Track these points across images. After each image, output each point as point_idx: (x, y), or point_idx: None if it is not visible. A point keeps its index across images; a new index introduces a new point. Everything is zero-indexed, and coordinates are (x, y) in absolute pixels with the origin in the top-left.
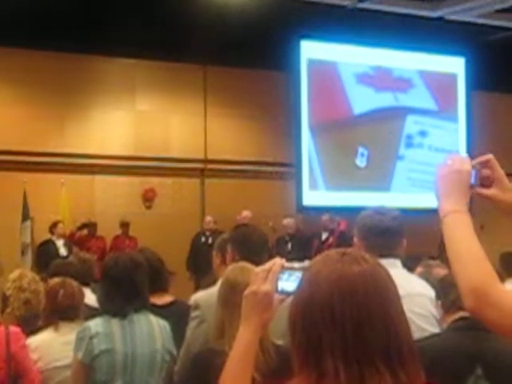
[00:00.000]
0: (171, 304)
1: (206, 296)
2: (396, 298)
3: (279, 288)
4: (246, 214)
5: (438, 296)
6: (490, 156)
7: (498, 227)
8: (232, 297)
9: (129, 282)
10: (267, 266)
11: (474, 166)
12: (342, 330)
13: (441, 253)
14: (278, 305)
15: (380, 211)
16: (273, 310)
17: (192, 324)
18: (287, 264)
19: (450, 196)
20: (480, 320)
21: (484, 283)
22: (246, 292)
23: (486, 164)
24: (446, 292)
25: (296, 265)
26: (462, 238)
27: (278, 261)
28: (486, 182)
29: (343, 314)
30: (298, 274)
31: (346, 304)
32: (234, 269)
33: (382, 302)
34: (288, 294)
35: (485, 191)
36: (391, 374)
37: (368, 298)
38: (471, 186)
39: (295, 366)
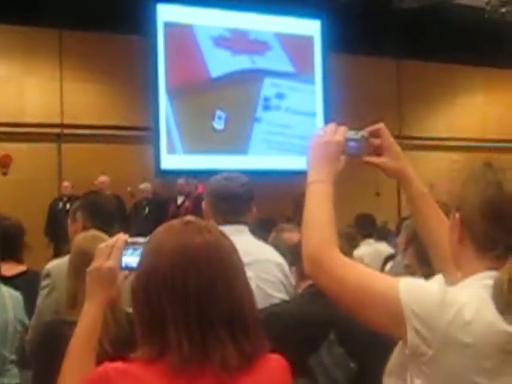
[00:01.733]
0: (21, 274)
1: (58, 264)
2: (240, 268)
3: (123, 264)
4: (103, 179)
5: (293, 262)
6: (380, 125)
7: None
8: (83, 266)
9: None
10: (111, 241)
11: (362, 136)
12: (185, 302)
13: (295, 215)
14: (122, 280)
15: (228, 177)
16: (117, 286)
17: (43, 292)
18: (131, 239)
19: (316, 166)
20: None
21: (319, 250)
22: (90, 268)
23: (376, 133)
24: (300, 258)
25: (140, 240)
26: (315, 206)
27: (122, 236)
28: (378, 151)
29: (185, 285)
30: (142, 250)
31: (189, 275)
32: (85, 237)
33: (226, 273)
34: (132, 269)
35: (372, 159)
36: (235, 345)
37: (211, 268)
38: (356, 156)
39: (139, 338)
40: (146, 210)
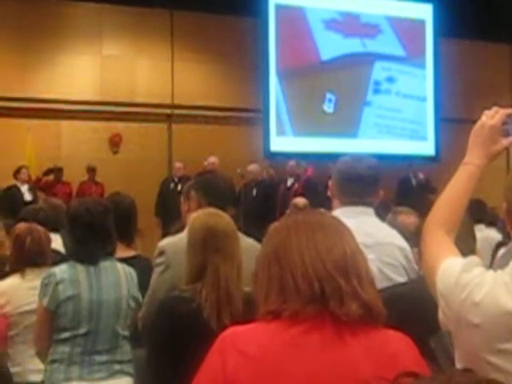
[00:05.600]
0: (133, 258)
1: (172, 242)
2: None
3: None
4: (213, 159)
5: (415, 243)
6: None
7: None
8: (210, 241)
9: (101, 227)
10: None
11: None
12: (301, 254)
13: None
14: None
15: (356, 159)
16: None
17: (157, 270)
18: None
19: (469, 149)
20: None
21: (426, 226)
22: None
23: None
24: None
25: None
26: (449, 186)
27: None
28: None
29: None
30: None
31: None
32: (207, 214)
33: (341, 236)
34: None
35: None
36: (354, 294)
37: (328, 230)
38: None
39: (260, 302)
40: (254, 191)
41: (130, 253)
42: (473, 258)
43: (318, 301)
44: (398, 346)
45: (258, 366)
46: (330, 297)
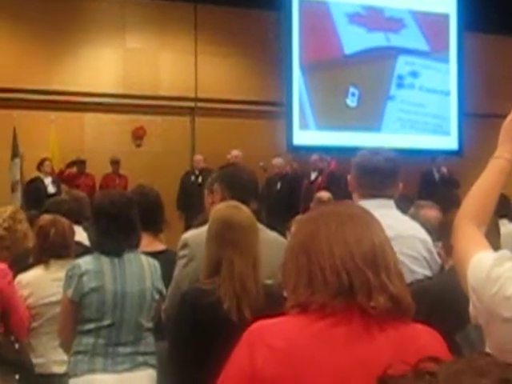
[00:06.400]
0: (161, 253)
1: (196, 235)
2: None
3: None
4: (236, 153)
5: (439, 237)
6: None
7: None
8: (226, 234)
9: (125, 219)
10: None
11: None
12: (329, 246)
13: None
14: None
15: (374, 152)
16: None
17: (180, 262)
18: None
19: (500, 143)
20: None
21: (457, 219)
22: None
23: None
24: (448, 234)
25: None
26: (479, 180)
27: None
28: None
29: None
30: None
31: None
32: (227, 207)
33: (370, 228)
34: None
35: None
36: (382, 286)
37: (357, 222)
38: None
39: (288, 294)
40: (278, 185)
41: (157, 246)
42: (504, 252)
43: (346, 293)
44: (426, 340)
45: (285, 359)
46: (358, 290)
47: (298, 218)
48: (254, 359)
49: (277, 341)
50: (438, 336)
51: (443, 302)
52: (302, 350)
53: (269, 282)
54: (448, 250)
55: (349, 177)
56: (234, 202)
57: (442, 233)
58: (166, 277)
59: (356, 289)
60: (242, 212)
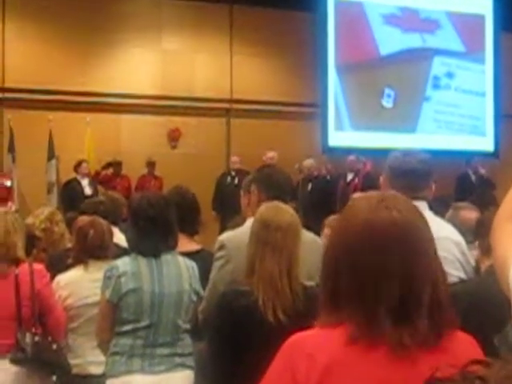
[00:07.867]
0: (195, 253)
1: (232, 236)
2: (426, 245)
3: None
4: (272, 154)
5: (476, 237)
6: None
7: None
8: (263, 235)
9: (163, 220)
10: None
11: None
12: (362, 276)
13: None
14: None
15: (407, 153)
16: None
17: (217, 264)
18: None
19: None
20: None
21: (496, 220)
22: None
23: None
24: (484, 233)
25: None
26: None
27: None
28: None
29: (363, 260)
30: None
31: (369, 251)
32: (268, 207)
33: (409, 250)
34: None
35: None
36: (410, 322)
37: (393, 246)
38: None
39: (320, 307)
40: (310, 186)
41: (194, 246)
42: None
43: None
44: (463, 347)
45: (327, 374)
46: (401, 305)
47: (331, 218)
48: (297, 371)
49: (318, 354)
50: (474, 342)
51: (479, 305)
52: (342, 365)
53: (309, 283)
54: (484, 249)
55: (381, 178)
56: (276, 203)
57: (479, 232)
58: (202, 276)
59: (384, 326)
60: (282, 212)
